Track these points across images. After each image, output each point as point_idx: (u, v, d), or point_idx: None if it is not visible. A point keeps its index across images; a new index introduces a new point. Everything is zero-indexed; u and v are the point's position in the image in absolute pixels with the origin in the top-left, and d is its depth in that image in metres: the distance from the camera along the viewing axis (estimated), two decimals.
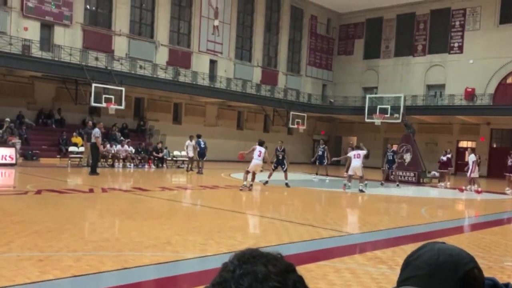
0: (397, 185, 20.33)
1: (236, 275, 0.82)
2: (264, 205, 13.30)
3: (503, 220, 12.31)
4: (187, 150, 22.61)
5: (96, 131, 17.65)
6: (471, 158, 20.06)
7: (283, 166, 17.56)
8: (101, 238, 6.92)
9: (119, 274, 5.24)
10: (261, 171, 15.87)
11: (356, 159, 16.98)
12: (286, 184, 16.90)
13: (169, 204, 11.48)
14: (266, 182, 17.01)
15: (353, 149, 18.77)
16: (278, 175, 17.98)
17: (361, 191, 16.42)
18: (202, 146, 21.79)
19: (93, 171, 17.57)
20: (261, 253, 0.87)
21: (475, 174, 20.00)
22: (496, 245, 8.35)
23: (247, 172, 15.15)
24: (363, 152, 17.19)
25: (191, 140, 22.50)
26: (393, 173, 21.37)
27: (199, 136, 22.41)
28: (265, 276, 0.81)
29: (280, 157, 17.66)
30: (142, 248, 6.44)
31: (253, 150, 15.30)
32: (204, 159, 21.83)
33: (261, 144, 15.54)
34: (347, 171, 18.24)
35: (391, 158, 20.63)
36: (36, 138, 24.51)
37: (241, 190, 14.76)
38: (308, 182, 20.48)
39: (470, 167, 19.79)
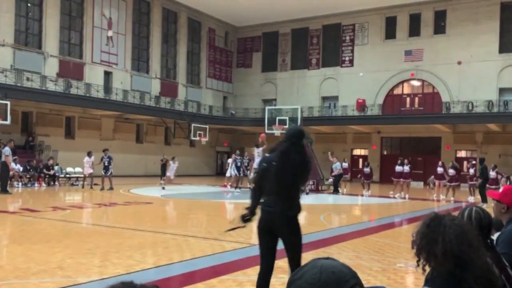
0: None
1: None
2: (166, 220, 12.92)
3: (394, 223, 13.07)
4: (86, 166, 21.44)
5: (6, 150, 18.05)
6: (229, 160, 23.47)
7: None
8: None
9: None
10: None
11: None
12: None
13: (61, 225, 10.69)
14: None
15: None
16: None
17: None
18: (110, 160, 21.09)
19: (4, 190, 17.51)
20: (133, 286, 0.75)
21: (231, 173, 22.79)
22: (389, 247, 8.77)
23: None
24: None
25: (89, 157, 21.40)
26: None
27: (107, 150, 21.53)
28: None
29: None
30: (28, 275, 5.88)
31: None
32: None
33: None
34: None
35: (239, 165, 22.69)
36: None
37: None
38: (212, 194, 20.34)
39: (229, 168, 23.15)
